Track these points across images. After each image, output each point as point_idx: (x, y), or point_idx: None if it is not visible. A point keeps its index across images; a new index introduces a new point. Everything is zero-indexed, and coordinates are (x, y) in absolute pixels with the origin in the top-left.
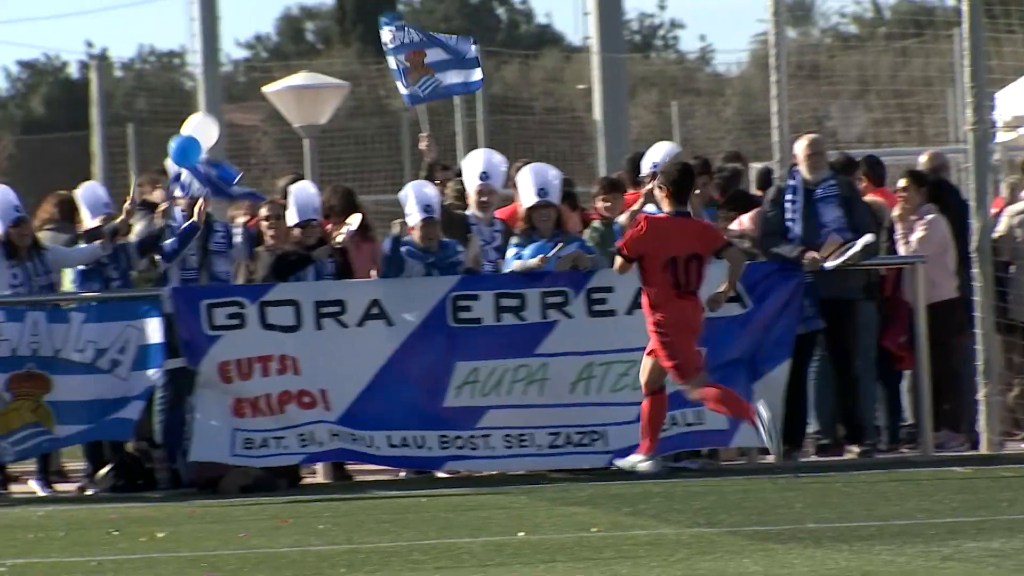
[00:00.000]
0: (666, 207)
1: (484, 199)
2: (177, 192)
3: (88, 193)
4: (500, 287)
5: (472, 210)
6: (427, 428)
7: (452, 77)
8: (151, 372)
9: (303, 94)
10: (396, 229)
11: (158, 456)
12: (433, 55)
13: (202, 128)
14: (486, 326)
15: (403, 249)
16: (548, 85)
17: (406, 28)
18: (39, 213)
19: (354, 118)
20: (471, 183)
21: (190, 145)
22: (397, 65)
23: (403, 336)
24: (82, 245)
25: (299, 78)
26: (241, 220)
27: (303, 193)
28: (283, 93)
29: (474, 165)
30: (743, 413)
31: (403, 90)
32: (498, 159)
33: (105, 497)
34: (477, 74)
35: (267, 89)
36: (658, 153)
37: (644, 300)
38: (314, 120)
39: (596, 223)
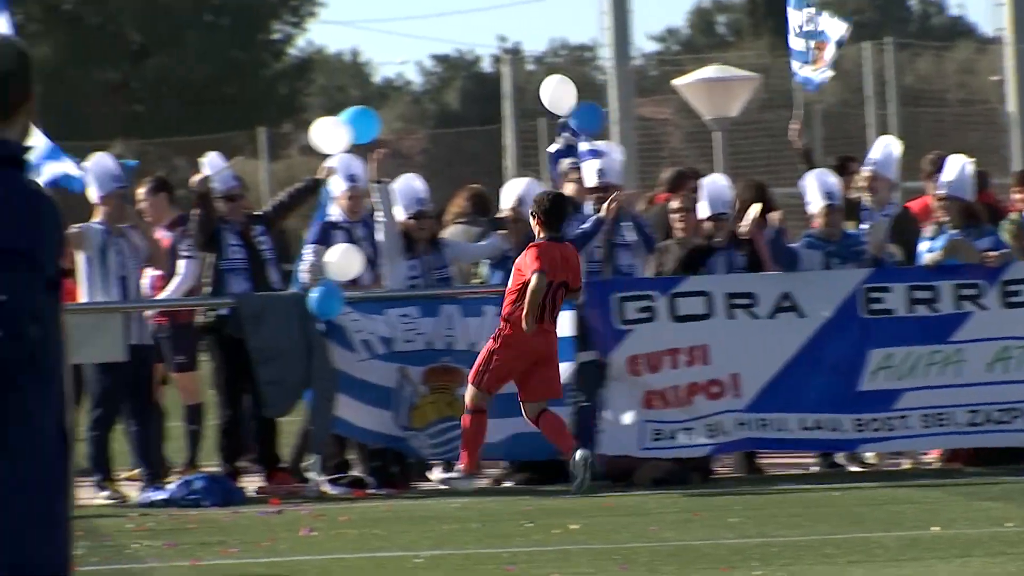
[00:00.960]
0: (540, 234)
1: (869, 185)
2: (595, 176)
3: (404, 188)
4: (912, 280)
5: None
6: (841, 411)
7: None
8: (562, 366)
9: (714, 87)
10: (775, 222)
11: None
12: (831, 50)
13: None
14: (899, 317)
15: (803, 240)
16: (961, 77)
17: (817, 16)
18: (451, 207)
19: (765, 110)
20: (865, 168)
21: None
22: (806, 48)
23: (815, 327)
24: (485, 241)
25: (710, 71)
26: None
27: (715, 186)
28: (694, 86)
29: (874, 151)
30: (468, 464)
31: (803, 72)
32: (894, 150)
33: (520, 489)
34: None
35: (677, 82)
36: None
37: (507, 311)
38: (725, 113)
39: (1013, 215)
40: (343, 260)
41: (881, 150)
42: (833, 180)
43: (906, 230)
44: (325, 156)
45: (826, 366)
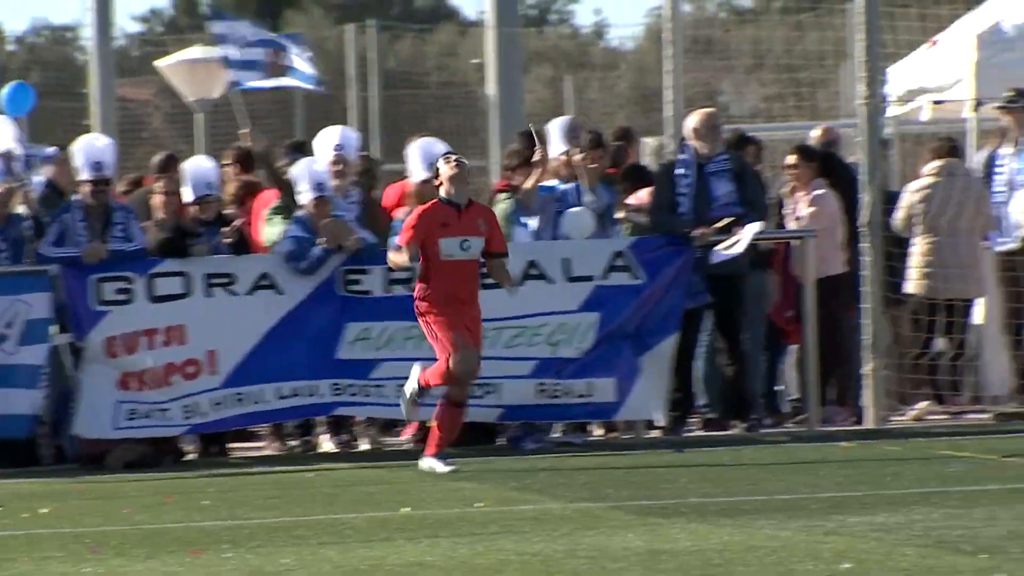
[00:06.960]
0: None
1: (339, 168)
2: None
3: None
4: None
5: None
6: (319, 378)
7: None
8: (38, 347)
9: (195, 68)
10: None
11: (42, 432)
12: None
13: None
14: (375, 297)
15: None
16: (442, 60)
17: (238, 22)
18: None
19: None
20: (325, 155)
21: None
22: (256, 57)
23: (293, 302)
24: None
25: (193, 52)
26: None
27: (198, 169)
28: (175, 67)
29: (329, 138)
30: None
31: (255, 83)
32: (352, 133)
33: None
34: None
35: (160, 63)
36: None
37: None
38: (207, 94)
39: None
40: None
41: (340, 136)
42: (325, 173)
43: (376, 215)
44: None
45: (304, 338)
